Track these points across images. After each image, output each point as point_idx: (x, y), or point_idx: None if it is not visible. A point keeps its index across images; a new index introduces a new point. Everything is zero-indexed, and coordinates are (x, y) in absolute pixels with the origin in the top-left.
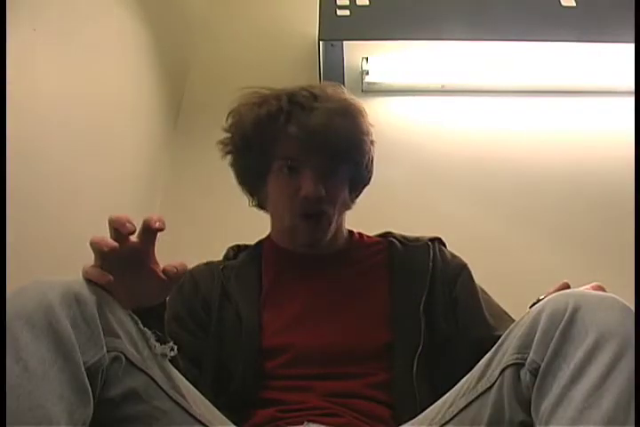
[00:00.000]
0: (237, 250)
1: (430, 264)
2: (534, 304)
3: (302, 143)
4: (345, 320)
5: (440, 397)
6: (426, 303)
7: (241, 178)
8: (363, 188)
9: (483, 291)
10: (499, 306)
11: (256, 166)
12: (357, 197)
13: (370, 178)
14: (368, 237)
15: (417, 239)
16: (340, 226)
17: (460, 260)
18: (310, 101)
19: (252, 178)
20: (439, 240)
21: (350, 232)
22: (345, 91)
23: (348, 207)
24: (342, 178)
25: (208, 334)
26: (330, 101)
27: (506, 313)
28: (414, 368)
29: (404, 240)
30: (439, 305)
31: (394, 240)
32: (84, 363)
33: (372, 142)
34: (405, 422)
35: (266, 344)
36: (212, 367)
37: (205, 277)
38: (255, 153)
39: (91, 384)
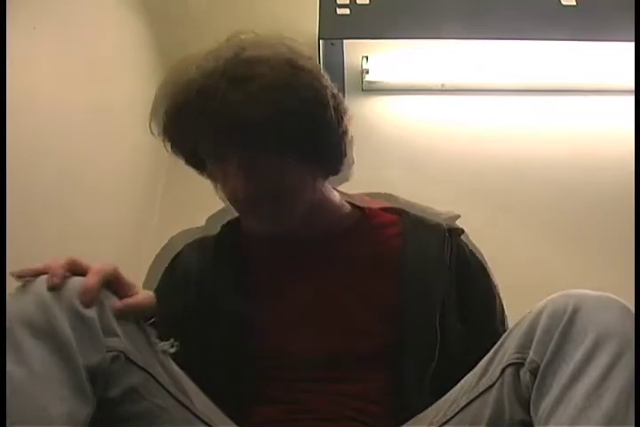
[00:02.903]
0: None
1: (447, 260)
2: None
3: (212, 136)
4: (345, 318)
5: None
6: (440, 299)
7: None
8: (339, 155)
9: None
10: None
11: (189, 153)
12: (337, 165)
13: (340, 135)
14: (381, 212)
15: (435, 226)
16: (330, 204)
17: (479, 261)
18: (223, 85)
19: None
20: (459, 231)
21: (359, 209)
22: (295, 49)
23: (322, 179)
24: (280, 161)
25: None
26: (255, 78)
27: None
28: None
29: (421, 227)
30: (453, 302)
31: (409, 227)
32: (85, 365)
33: (331, 97)
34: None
35: (259, 347)
36: (202, 365)
37: (195, 262)
38: (181, 137)
39: (92, 386)
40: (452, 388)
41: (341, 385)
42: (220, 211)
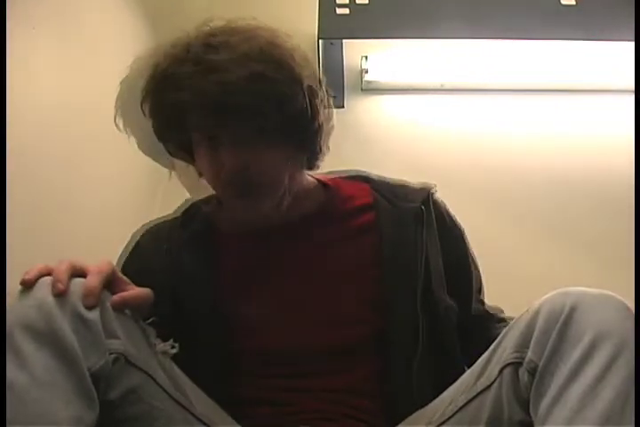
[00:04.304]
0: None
1: (424, 236)
2: None
3: (203, 112)
4: (325, 307)
5: (440, 387)
6: (424, 278)
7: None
8: (314, 149)
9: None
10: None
11: (178, 142)
12: (316, 152)
13: (317, 126)
14: (350, 186)
15: (407, 197)
16: (300, 188)
17: (458, 224)
18: (202, 55)
19: (182, 154)
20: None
21: (325, 186)
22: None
23: (300, 167)
24: (272, 140)
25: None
26: (232, 50)
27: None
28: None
29: (394, 199)
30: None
31: (382, 200)
32: (88, 369)
33: (305, 88)
34: (402, 416)
35: (238, 345)
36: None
37: (156, 254)
38: (172, 127)
39: (95, 389)
40: (442, 372)
41: (329, 379)
42: (187, 201)
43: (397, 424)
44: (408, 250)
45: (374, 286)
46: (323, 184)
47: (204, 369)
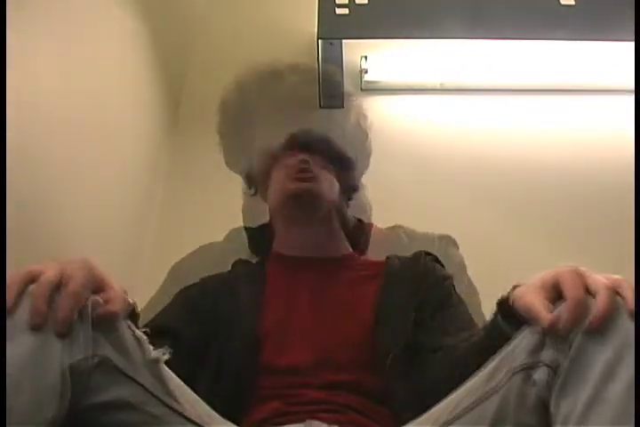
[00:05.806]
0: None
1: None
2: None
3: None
4: (333, 327)
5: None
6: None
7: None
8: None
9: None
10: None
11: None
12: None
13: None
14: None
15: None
16: (344, 223)
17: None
18: None
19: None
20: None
21: (363, 228)
22: None
23: (343, 198)
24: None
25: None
26: None
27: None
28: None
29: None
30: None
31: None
32: (70, 364)
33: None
34: (408, 417)
35: (258, 357)
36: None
37: (214, 282)
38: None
39: (72, 383)
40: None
41: (333, 377)
42: (235, 229)
43: (404, 425)
44: (405, 287)
45: (373, 321)
46: (362, 225)
47: (229, 370)
